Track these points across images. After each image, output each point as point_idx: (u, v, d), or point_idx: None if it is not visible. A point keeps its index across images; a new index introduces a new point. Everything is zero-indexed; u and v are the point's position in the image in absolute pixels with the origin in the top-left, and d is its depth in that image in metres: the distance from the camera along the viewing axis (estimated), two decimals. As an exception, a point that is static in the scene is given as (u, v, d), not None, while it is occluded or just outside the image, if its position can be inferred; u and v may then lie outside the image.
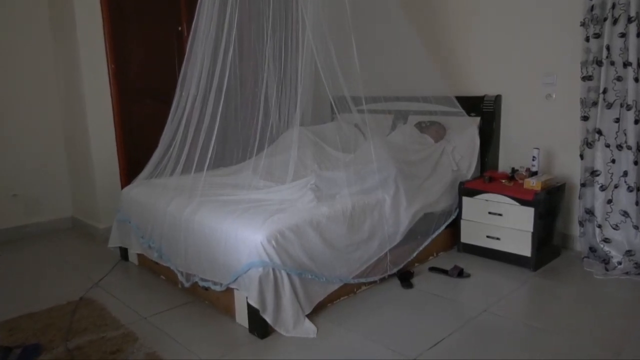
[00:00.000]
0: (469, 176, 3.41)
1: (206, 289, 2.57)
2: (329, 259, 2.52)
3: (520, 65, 3.44)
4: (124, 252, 3.35)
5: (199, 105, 2.92)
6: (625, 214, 2.94)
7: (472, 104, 3.61)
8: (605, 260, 2.99)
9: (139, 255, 3.20)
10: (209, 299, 2.64)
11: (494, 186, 3.14)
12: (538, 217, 2.92)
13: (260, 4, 3.25)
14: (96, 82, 3.74)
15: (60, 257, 3.48)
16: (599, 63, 2.90)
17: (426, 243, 3.11)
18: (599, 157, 2.98)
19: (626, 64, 2.81)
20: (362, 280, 2.70)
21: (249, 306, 2.29)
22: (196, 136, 2.86)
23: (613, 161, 2.95)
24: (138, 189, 3.14)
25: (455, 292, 2.75)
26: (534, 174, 3.16)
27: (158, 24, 4.05)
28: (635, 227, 2.91)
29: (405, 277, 2.86)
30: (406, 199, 2.91)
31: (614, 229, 2.99)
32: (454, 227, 3.31)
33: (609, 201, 2.99)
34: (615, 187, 2.97)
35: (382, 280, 2.84)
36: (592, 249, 3.06)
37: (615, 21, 2.81)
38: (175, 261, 2.74)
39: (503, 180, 3.22)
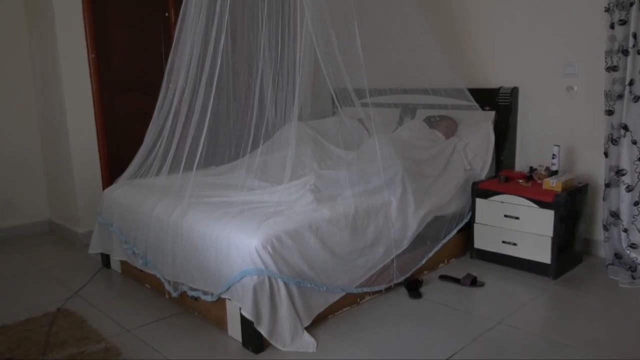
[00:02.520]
0: (482, 176, 3.42)
1: (196, 299, 2.57)
2: (330, 267, 2.52)
3: (539, 54, 3.44)
4: (105, 259, 3.36)
5: (188, 98, 2.93)
6: (654, 217, 2.95)
7: (486, 97, 3.61)
8: (632, 268, 2.99)
9: (122, 262, 3.20)
10: (199, 310, 2.65)
11: (510, 187, 3.15)
12: (558, 221, 2.92)
13: (255, -14, 3.26)
14: (75, 73, 3.74)
15: (36, 265, 3.48)
16: (625, 52, 2.90)
17: (436, 249, 3.12)
18: (625, 155, 2.98)
19: (655, 53, 2.82)
20: (366, 289, 2.71)
21: (243, 318, 2.29)
22: (185, 132, 2.87)
23: (640, 159, 2.96)
24: (121, 189, 3.14)
25: (468, 302, 2.75)
26: (554, 173, 3.16)
27: (143, 10, 4.05)
28: (665, 232, 2.92)
29: (413, 286, 2.87)
30: (414, 201, 2.91)
31: (641, 233, 3.00)
32: (467, 231, 3.32)
33: (636, 203, 2.99)
34: (643, 187, 2.97)
35: (388, 289, 2.85)
36: (618, 255, 3.07)
37: (642, 6, 2.81)
38: (162, 269, 2.74)
39: (520, 180, 3.22)
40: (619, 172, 3.03)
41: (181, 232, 2.58)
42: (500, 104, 3.57)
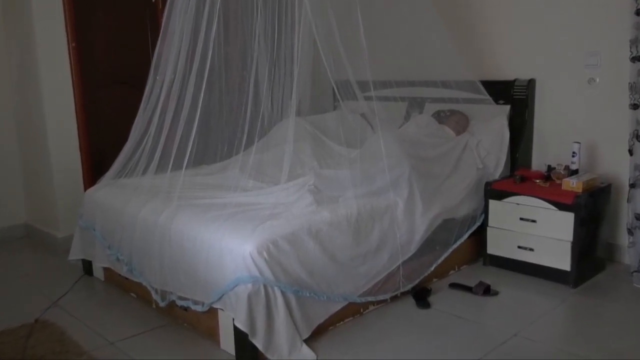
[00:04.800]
0: (496, 175, 3.42)
1: (185, 309, 2.58)
2: (331, 274, 2.52)
3: (558, 43, 3.45)
4: (87, 266, 3.36)
5: (177, 92, 2.93)
6: (682, 220, 2.95)
7: (500, 90, 3.61)
8: (659, 275, 2.99)
9: (106, 270, 3.21)
10: (189, 321, 2.65)
11: (526, 187, 3.15)
12: (579, 224, 2.92)
13: (250, -29, 3.27)
14: (54, 64, 3.74)
15: (11, 272, 3.48)
16: (651, 41, 2.90)
17: (446, 255, 3.12)
18: (651, 153, 2.98)
19: (683, 43, 2.82)
20: (370, 298, 2.71)
21: (236, 329, 2.30)
22: (173, 128, 2.87)
23: (668, 157, 2.96)
24: (104, 190, 3.15)
25: (481, 312, 2.76)
26: (574, 172, 3.16)
27: (128, -5, 4.06)
28: (694, 236, 2.92)
29: (421, 295, 2.87)
30: (422, 203, 2.92)
31: (668, 238, 3.00)
32: (479, 235, 3.32)
33: (663, 205, 3.00)
34: (671, 188, 2.97)
35: (394, 298, 2.85)
36: (643, 262, 3.07)
37: (670, -9, 2.81)
38: (149, 276, 2.75)
39: (537, 180, 3.22)
40: (645, 172, 3.03)
41: (169, 236, 2.58)
42: (515, 98, 3.57)
